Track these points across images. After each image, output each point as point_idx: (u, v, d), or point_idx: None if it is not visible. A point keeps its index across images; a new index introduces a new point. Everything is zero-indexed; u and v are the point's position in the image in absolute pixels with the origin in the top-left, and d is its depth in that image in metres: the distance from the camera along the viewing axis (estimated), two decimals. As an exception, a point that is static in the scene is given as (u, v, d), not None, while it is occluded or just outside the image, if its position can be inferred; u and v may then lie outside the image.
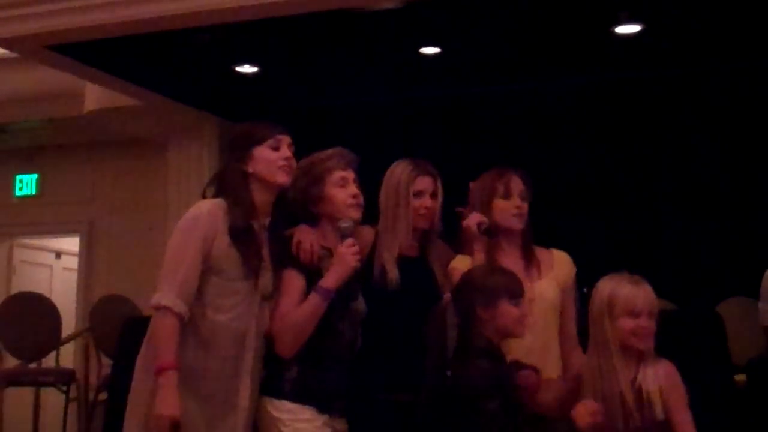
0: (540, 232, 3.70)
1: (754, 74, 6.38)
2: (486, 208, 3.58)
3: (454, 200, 3.74)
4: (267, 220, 3.34)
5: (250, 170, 3.28)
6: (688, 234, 6.62)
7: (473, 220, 3.54)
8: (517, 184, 3.63)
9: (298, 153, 3.52)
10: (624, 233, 6.69)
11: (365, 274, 3.50)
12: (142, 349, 3.22)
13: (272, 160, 3.29)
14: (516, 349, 3.34)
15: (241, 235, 3.18)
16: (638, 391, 3.15)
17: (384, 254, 3.55)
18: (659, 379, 3.18)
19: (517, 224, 3.59)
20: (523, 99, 6.95)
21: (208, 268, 3.15)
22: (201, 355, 3.14)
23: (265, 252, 3.27)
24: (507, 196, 3.60)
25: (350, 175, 3.48)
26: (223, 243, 3.17)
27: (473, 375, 3.13)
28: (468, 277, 3.38)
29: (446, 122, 7.19)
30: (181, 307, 3.08)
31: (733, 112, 6.60)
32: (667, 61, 6.48)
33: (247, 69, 6.74)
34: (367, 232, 3.62)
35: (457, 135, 7.12)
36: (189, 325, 3.12)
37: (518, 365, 3.24)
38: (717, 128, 6.67)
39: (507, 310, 3.21)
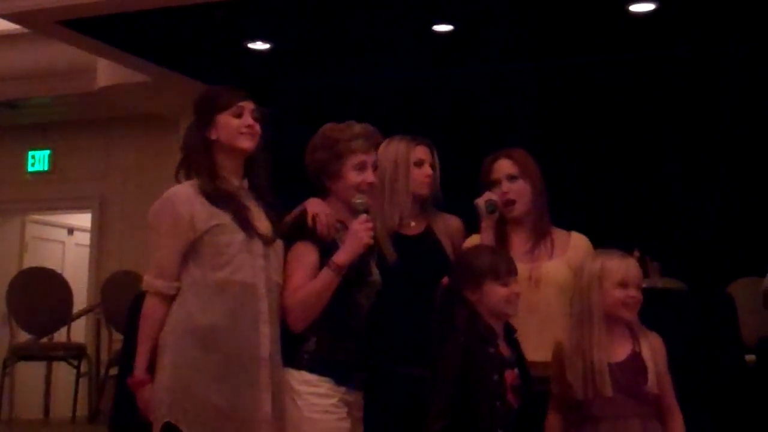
0: (554, 213, 3.65)
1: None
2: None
3: (463, 180, 3.70)
4: (244, 182, 3.33)
5: (213, 137, 3.26)
6: (699, 214, 6.60)
7: (483, 198, 3.54)
8: (501, 168, 3.59)
9: (310, 129, 3.50)
10: (636, 213, 6.68)
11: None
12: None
13: (234, 127, 3.26)
14: (517, 328, 3.33)
15: (216, 197, 3.19)
16: (633, 362, 3.21)
17: (379, 231, 3.47)
18: (654, 351, 3.25)
19: (507, 212, 3.54)
20: (536, 77, 6.93)
21: (198, 237, 3.16)
22: (212, 315, 3.12)
23: (252, 203, 3.27)
24: (494, 183, 3.58)
25: (371, 159, 3.41)
26: (203, 213, 3.16)
27: (447, 346, 3.15)
28: (456, 259, 3.41)
29: (457, 100, 7.16)
30: (166, 288, 3.18)
31: (746, 91, 6.56)
32: (681, 40, 6.45)
33: (259, 45, 6.74)
34: None
35: (469, 114, 7.10)
36: (194, 289, 3.15)
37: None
38: (730, 107, 6.64)
39: (493, 290, 3.20)
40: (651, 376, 3.19)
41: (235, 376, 3.12)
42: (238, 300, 3.15)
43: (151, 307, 3.19)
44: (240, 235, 3.18)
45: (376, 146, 3.47)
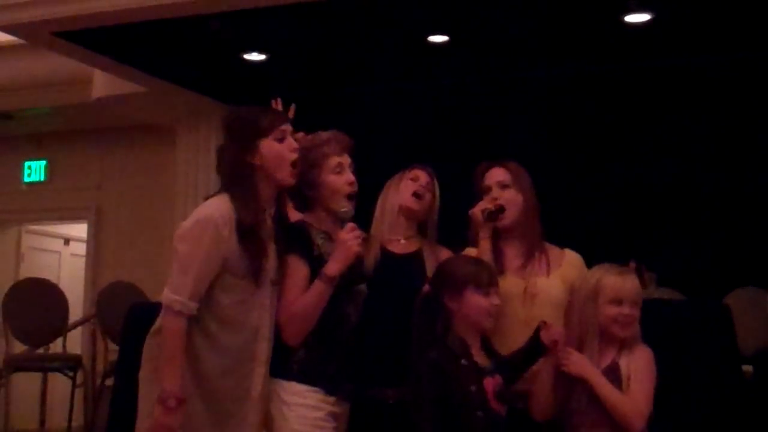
0: (549, 223, 3.65)
1: (765, 64, 6.35)
2: None
3: (458, 192, 3.68)
4: (272, 210, 3.28)
5: (258, 163, 3.18)
6: (696, 224, 6.60)
7: (479, 206, 3.51)
8: (493, 175, 3.56)
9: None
10: (632, 223, 6.68)
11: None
12: (150, 341, 3.14)
13: (282, 155, 3.19)
14: (511, 343, 3.30)
15: (247, 233, 3.11)
16: (610, 372, 3.16)
17: (368, 247, 3.47)
18: (631, 359, 3.19)
19: (497, 219, 3.50)
20: (531, 88, 6.93)
21: (223, 267, 3.09)
22: (210, 352, 3.09)
23: (269, 238, 3.21)
24: (485, 190, 3.56)
25: (346, 160, 3.43)
26: (234, 239, 3.10)
27: (420, 365, 3.13)
28: (440, 266, 3.38)
29: (453, 111, 7.17)
30: (193, 309, 3.03)
31: (743, 102, 6.57)
32: (677, 50, 6.45)
33: (255, 56, 6.74)
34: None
35: (464, 124, 7.10)
36: (197, 322, 3.07)
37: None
38: (727, 118, 6.64)
39: (473, 298, 3.18)
40: (625, 385, 3.14)
41: (219, 419, 3.11)
42: (239, 341, 3.13)
43: (180, 329, 3.00)
44: (251, 279, 3.14)
45: (348, 149, 3.47)
